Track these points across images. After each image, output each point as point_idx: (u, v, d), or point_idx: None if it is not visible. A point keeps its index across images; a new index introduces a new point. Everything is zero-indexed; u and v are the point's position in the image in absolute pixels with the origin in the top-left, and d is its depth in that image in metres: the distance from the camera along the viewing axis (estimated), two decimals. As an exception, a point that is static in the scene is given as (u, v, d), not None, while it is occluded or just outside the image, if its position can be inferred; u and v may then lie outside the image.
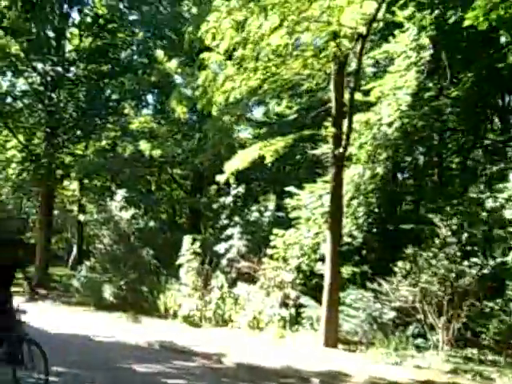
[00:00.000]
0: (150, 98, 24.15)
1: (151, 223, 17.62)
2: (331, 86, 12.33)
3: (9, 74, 24.98)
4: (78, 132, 25.12)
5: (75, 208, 41.33)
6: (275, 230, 14.94)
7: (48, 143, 23.97)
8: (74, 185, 38.70)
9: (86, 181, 32.49)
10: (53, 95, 23.66)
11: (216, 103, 10.51)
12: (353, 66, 12.61)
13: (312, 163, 26.98)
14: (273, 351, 11.79)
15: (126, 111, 21.56)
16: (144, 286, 16.96)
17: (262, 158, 12.46)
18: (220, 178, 13.37)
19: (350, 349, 12.17)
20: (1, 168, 26.19)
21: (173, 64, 20.01)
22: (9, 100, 24.86)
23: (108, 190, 22.05)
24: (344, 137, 11.99)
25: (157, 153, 19.04)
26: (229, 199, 16.96)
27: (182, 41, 23.26)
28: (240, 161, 11.84)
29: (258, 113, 22.75)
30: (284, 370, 9.99)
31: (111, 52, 25.53)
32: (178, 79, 21.32)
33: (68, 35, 26.55)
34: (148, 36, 24.91)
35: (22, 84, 25.51)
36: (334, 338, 12.13)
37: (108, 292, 17.42)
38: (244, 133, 22.23)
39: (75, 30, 26.57)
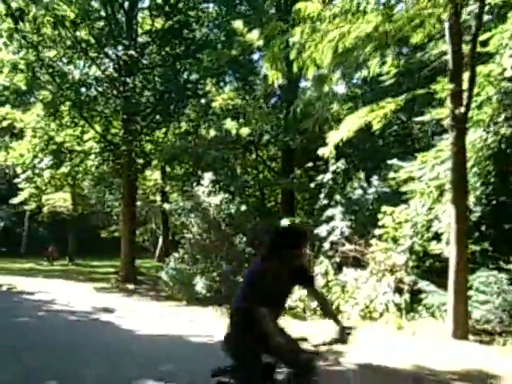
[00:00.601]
0: (231, 73, 23.27)
1: (242, 208, 16.72)
2: (446, 36, 10.92)
3: (80, 62, 25.06)
4: (157, 117, 24.73)
5: (158, 198, 41.95)
6: (384, 208, 13.72)
7: (126, 131, 23.69)
8: (156, 174, 39.16)
9: (167, 169, 32.54)
10: (128, 80, 23.31)
11: (318, 59, 9.33)
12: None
13: (404, 136, 25.61)
14: (394, 346, 10.63)
15: (207, 88, 20.75)
16: (239, 277, 16.16)
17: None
18: (323, 151, 12.24)
19: (483, 340, 10.83)
20: (79, 160, 26.20)
21: (254, 35, 19.02)
22: (82, 90, 24.85)
23: (193, 175, 21.38)
24: (465, 94, 10.60)
25: (244, 131, 18.12)
26: (327, 176, 15.78)
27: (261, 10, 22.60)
28: (345, 130, 10.64)
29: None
30: (416, 371, 8.79)
31: (185, 31, 24.94)
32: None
33: (139, 18, 26.29)
34: (223, 9, 24.20)
35: (94, 72, 25.45)
36: (463, 328, 10.83)
37: (200, 285, 16.73)
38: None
39: (146, 12, 26.28)
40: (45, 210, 41.80)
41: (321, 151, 12.51)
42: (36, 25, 22.34)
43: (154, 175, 38.57)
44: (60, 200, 40.17)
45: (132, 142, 23.65)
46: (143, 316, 15.05)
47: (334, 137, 10.99)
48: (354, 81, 21.86)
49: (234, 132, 18.06)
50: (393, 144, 24.04)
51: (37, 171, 24.58)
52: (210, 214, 16.50)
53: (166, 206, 20.87)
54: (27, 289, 21.24)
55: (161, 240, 43.07)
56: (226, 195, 17.00)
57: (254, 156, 24.29)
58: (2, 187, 49.46)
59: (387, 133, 22.32)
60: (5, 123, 24.53)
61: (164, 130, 26.55)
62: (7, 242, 57.31)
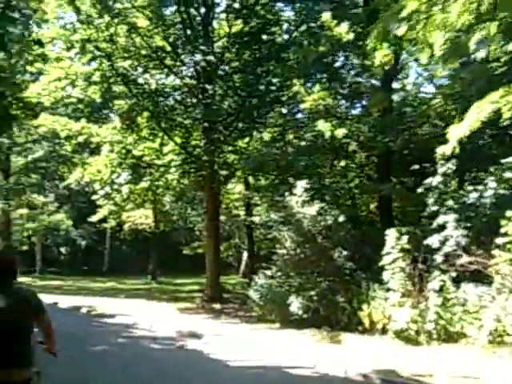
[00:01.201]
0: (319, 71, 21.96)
1: (340, 218, 15.39)
2: None
3: (156, 71, 24.58)
4: (240, 125, 23.86)
5: (241, 212, 41.20)
6: (508, 213, 12.08)
7: (207, 141, 22.91)
8: (238, 187, 38.45)
9: (250, 180, 31.63)
10: (207, 87, 22.55)
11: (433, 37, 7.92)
12: None
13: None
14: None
15: (294, 89, 19.61)
16: (339, 296, 14.87)
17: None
18: (443, 150, 10.73)
19: None
20: (159, 175, 25.65)
21: (343, 28, 17.80)
22: (160, 99, 24.32)
23: (283, 183, 20.21)
24: None
25: (339, 133, 16.83)
26: (436, 179, 14.20)
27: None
28: (471, 120, 9.12)
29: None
30: None
31: (265, 33, 24.03)
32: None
33: (215, 23, 25.63)
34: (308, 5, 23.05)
35: (171, 81, 24.97)
36: None
37: (295, 305, 15.50)
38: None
39: (222, 16, 25.56)
40: (126, 227, 41.93)
41: (440, 149, 11.02)
42: (109, 34, 22.02)
43: (236, 188, 37.98)
44: (141, 217, 40.13)
45: (214, 152, 22.85)
46: (233, 342, 14.00)
47: (457, 131, 9.49)
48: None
49: (327, 134, 16.80)
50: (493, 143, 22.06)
51: (115, 187, 24.17)
52: (304, 226, 15.30)
53: (256, 219, 19.72)
54: (107, 310, 20.78)
55: (245, 255, 42.25)
56: (322, 205, 15.72)
57: (345, 161, 22.82)
58: (82, 205, 50.17)
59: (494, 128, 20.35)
60: (80, 138, 24.28)
61: (247, 139, 25.61)
62: (89, 261, 58.41)
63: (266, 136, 25.15)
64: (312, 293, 15.17)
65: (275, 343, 13.74)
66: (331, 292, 15.06)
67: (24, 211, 43.42)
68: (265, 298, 17.96)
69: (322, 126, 17.13)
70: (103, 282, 40.49)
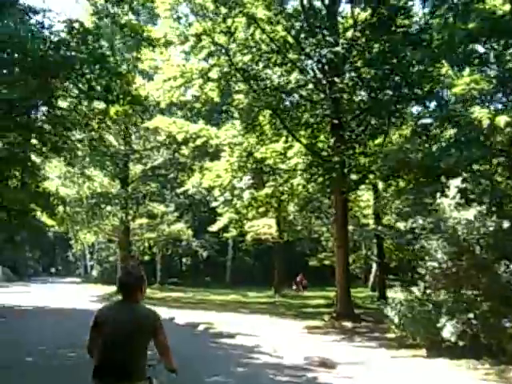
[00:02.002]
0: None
1: (505, 224, 12.84)
2: None
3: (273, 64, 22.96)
4: (372, 121, 21.71)
5: (370, 221, 38.95)
6: None
7: (337, 139, 21.01)
8: (366, 195, 36.25)
9: (380, 186, 29.31)
10: (336, 80, 20.64)
11: None
12: None
13: None
14: None
15: (442, 72, 17.24)
16: (506, 319, 12.37)
17: None
18: None
19: None
20: (283, 180, 24.01)
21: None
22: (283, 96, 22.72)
23: (428, 183, 17.76)
24: None
25: (500, 121, 14.25)
26: None
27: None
28: None
29: None
30: None
31: (399, 19, 21.85)
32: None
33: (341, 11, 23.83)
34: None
35: (295, 76, 23.21)
36: None
37: (448, 329, 13.12)
38: None
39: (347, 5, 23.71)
40: (248, 237, 40.80)
41: None
42: (226, 26, 20.73)
43: (364, 195, 35.86)
44: (264, 226, 38.79)
45: (343, 152, 20.89)
46: (375, 375, 11.87)
47: None
48: None
49: (485, 123, 14.29)
50: None
51: (236, 192, 22.84)
52: (458, 234, 12.94)
53: (401, 225, 17.46)
54: (227, 329, 19.39)
55: (374, 267, 39.88)
56: (480, 208, 13.23)
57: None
58: (203, 215, 49.83)
59: None
60: (199, 141, 23.23)
61: (379, 139, 23.33)
62: (211, 272, 58.15)
63: (405, 131, 22.82)
64: (470, 315, 12.77)
65: (426, 379, 11.51)
66: (495, 315, 12.60)
67: (143, 221, 43.58)
68: (406, 318, 15.73)
69: (479, 112, 14.63)
70: (225, 294, 39.72)
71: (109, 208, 38.09)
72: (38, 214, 27.61)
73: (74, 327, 19.65)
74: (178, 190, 32.51)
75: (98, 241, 58.44)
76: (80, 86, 16.86)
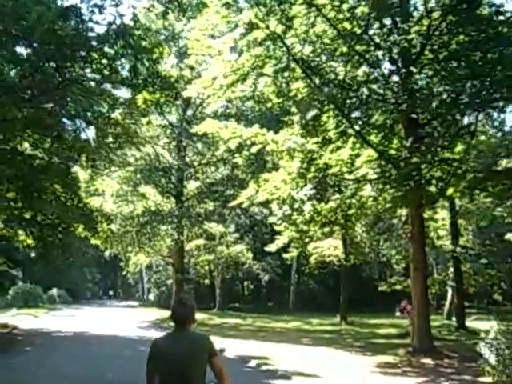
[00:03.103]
0: None
1: None
2: None
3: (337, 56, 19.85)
4: (457, 116, 18.18)
5: (444, 242, 35.52)
6: None
7: (414, 140, 17.67)
8: (441, 213, 33.02)
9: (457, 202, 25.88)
10: (413, 69, 17.33)
11: None
12: None
13: None
14: None
15: None
16: None
17: None
18: None
19: None
20: (351, 192, 20.75)
21: None
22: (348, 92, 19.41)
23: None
24: None
25: None
26: None
27: None
28: None
29: None
30: None
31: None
32: None
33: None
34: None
35: (362, 70, 20.07)
36: None
37: None
38: None
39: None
40: (312, 259, 37.56)
41: None
42: (282, 10, 17.80)
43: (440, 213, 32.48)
44: (329, 248, 35.46)
45: (422, 156, 17.49)
46: None
47: None
48: None
49: None
50: None
51: (296, 206, 19.65)
52: None
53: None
54: (284, 365, 16.25)
55: (450, 292, 35.99)
56: None
57: None
58: (265, 237, 46.78)
59: None
60: (254, 149, 20.25)
61: (459, 147, 19.75)
62: (273, 297, 55.09)
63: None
64: None
65: None
66: None
67: (200, 242, 40.95)
68: (508, 357, 12.40)
69: None
70: (286, 321, 36.78)
71: (162, 227, 35.65)
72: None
73: (101, 359, 17.16)
74: (230, 204, 29.56)
75: (156, 263, 56.50)
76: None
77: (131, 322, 33.40)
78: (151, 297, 62.04)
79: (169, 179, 35.35)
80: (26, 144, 22.12)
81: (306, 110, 18.15)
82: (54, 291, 54.71)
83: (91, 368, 15.29)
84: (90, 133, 22.78)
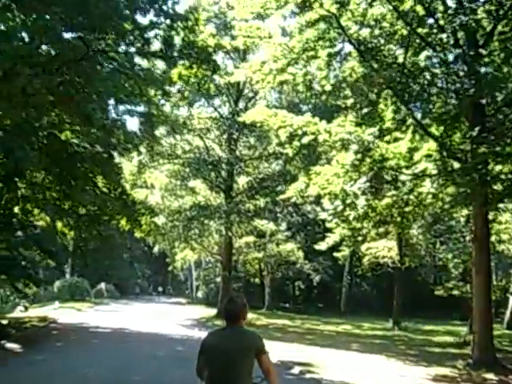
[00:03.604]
0: None
1: None
2: None
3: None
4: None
5: (507, 246, 33.33)
6: None
7: (480, 131, 15.89)
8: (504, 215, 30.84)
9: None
10: (482, 51, 15.57)
11: None
12: None
13: None
14: None
15: None
16: None
17: None
18: None
19: None
20: (407, 189, 19.05)
21: None
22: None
23: None
24: None
25: None
26: None
27: None
28: None
29: None
30: None
31: None
32: None
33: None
34: None
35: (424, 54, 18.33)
36: None
37: None
38: None
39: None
40: (365, 260, 35.79)
41: None
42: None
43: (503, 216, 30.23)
44: (384, 249, 33.63)
45: (490, 149, 15.71)
46: None
47: None
48: None
49: None
50: None
51: (348, 200, 18.07)
52: None
53: None
54: (329, 373, 14.82)
55: (511, 300, 33.84)
56: None
57: None
58: (318, 236, 44.99)
59: None
60: (305, 139, 18.75)
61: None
62: (325, 298, 53.33)
63: None
64: None
65: None
66: None
67: (250, 239, 39.62)
68: None
69: None
70: (336, 324, 35.28)
71: (210, 222, 34.49)
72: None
73: (132, 359, 15.96)
74: (278, 198, 28.14)
75: (205, 260, 55.54)
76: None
77: (175, 319, 32.35)
78: (199, 294, 61.23)
79: (218, 173, 34.07)
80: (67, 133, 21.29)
81: (361, 93, 16.57)
82: (102, 285, 54.41)
83: (119, 369, 14.03)
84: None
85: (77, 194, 20.02)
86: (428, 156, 18.78)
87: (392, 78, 15.88)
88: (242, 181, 35.95)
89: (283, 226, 47.30)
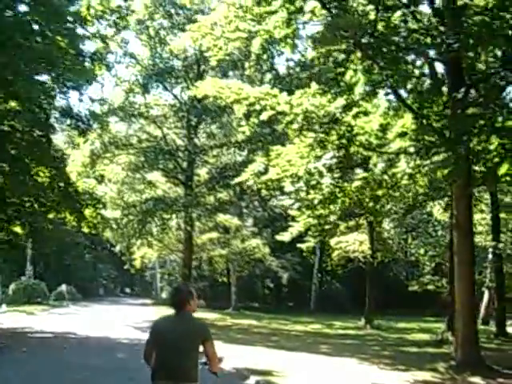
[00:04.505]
0: None
1: None
2: None
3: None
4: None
5: (482, 238, 31.18)
6: None
7: (462, 99, 13.49)
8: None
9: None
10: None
11: None
12: None
13: None
14: None
15: None
16: None
17: None
18: None
19: None
20: (381, 170, 16.62)
21: None
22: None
23: None
24: None
25: None
26: None
27: None
28: None
29: None
30: None
31: None
32: None
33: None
34: None
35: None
36: None
37: None
38: None
39: None
40: (334, 255, 33.30)
41: None
42: None
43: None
44: (355, 243, 31.17)
45: (473, 119, 13.33)
46: None
47: None
48: None
49: None
50: None
51: (313, 182, 15.46)
52: None
53: None
54: (290, 382, 12.28)
55: (486, 295, 31.66)
56: None
57: None
58: (285, 232, 42.38)
59: None
60: (264, 115, 16.12)
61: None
62: (294, 297, 50.97)
63: None
64: None
65: None
66: None
67: (213, 235, 36.84)
68: None
69: None
70: (306, 323, 32.81)
71: (167, 216, 31.74)
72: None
73: (56, 372, 13.16)
74: (233, 182, 25.40)
75: (170, 259, 52.70)
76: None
77: (133, 321, 29.48)
78: (164, 295, 58.40)
79: (176, 163, 31.16)
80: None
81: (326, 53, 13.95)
82: (63, 287, 50.94)
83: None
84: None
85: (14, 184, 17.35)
86: (403, 134, 16.42)
87: (362, 33, 13.21)
88: (202, 171, 33.20)
89: (249, 221, 44.75)
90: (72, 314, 34.40)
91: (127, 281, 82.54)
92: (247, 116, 17.30)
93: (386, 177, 16.44)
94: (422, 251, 42.51)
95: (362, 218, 31.62)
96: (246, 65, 20.54)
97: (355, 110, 15.82)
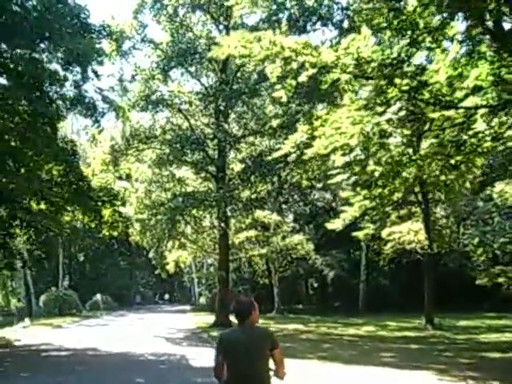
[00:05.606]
0: None
1: None
2: None
3: None
4: None
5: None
6: None
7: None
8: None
9: None
10: None
11: None
12: None
13: None
14: None
15: None
16: None
17: None
18: None
19: None
20: (459, 128, 12.92)
21: None
22: None
23: None
24: None
25: None
26: None
27: None
28: None
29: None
30: None
31: None
32: None
33: None
34: None
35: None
36: None
37: None
38: None
39: None
40: (387, 248, 29.38)
41: None
42: None
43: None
44: (410, 233, 27.21)
45: None
46: None
47: None
48: None
49: None
50: None
51: (372, 145, 11.73)
52: None
53: None
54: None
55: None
56: None
57: None
58: (323, 219, 38.16)
59: None
60: (303, 76, 12.60)
61: None
62: (340, 296, 47.11)
63: None
64: None
65: None
66: None
67: (250, 233, 33.21)
68: None
69: None
70: (358, 325, 29.16)
71: (200, 214, 28.40)
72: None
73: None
74: (270, 157, 21.81)
75: (207, 262, 49.40)
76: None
77: (166, 331, 26.12)
78: (202, 300, 55.19)
79: (206, 153, 27.56)
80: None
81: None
82: (98, 297, 48.45)
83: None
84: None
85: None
86: (477, 89, 12.74)
87: None
88: (234, 162, 29.73)
89: (290, 217, 41.20)
90: (102, 325, 31.50)
91: (166, 287, 79.77)
92: (281, 78, 13.76)
93: (465, 137, 12.62)
94: (475, 241, 38.16)
95: (415, 206, 28.03)
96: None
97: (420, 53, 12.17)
